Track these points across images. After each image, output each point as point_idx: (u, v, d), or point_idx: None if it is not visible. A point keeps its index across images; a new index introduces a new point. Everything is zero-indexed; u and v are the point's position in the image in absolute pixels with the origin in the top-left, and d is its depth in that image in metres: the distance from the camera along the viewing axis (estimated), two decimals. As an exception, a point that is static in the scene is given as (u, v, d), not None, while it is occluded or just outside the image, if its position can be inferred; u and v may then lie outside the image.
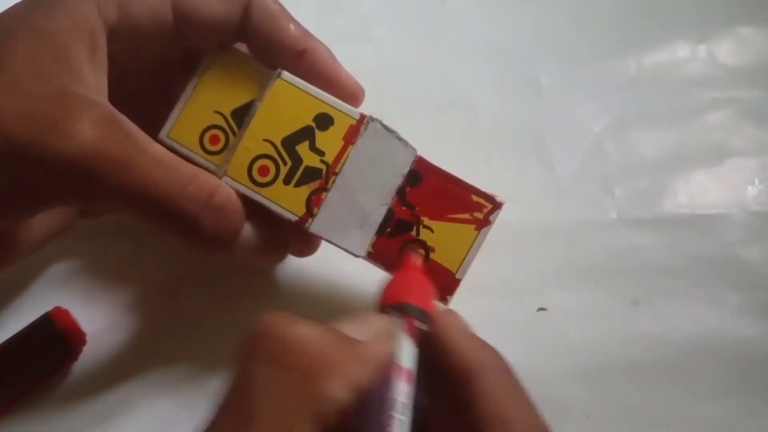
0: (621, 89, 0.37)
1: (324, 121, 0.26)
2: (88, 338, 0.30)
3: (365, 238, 0.27)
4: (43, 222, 0.28)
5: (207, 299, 0.31)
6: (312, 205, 0.26)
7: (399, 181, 0.27)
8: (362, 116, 0.26)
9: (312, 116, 0.26)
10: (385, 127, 0.27)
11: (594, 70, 0.37)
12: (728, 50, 0.38)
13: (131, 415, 0.29)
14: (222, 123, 0.27)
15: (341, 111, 0.26)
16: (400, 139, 0.27)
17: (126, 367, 0.30)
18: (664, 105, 0.37)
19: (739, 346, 0.32)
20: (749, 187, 0.35)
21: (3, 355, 0.29)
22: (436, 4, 0.38)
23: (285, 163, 0.26)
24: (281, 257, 0.28)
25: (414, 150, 0.27)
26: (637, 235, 0.34)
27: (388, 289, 0.25)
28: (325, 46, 0.27)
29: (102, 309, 0.31)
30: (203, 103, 0.27)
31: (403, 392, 0.21)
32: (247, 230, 0.26)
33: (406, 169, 0.27)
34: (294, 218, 0.26)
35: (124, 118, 0.23)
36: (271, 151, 0.26)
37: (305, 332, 0.20)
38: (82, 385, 0.30)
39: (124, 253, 0.32)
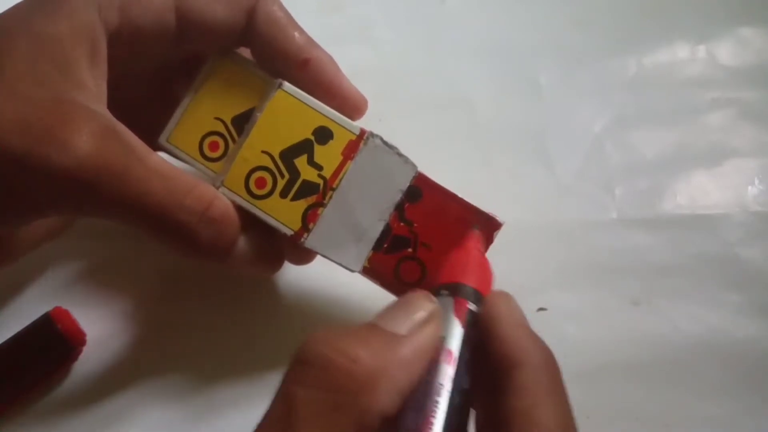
0: (621, 89, 0.37)
1: (323, 134, 0.26)
2: (88, 338, 0.30)
3: (361, 254, 0.27)
4: (40, 222, 0.28)
5: (207, 299, 0.31)
6: (308, 220, 0.26)
7: (398, 197, 0.27)
8: (362, 131, 0.26)
9: (311, 129, 0.26)
10: (385, 143, 0.26)
11: (594, 70, 0.37)
12: (728, 50, 0.38)
13: (131, 415, 0.29)
14: (222, 129, 0.27)
15: (341, 125, 0.26)
16: (400, 155, 0.26)
17: (126, 368, 0.30)
18: (664, 105, 0.37)
19: (739, 346, 0.32)
20: (749, 187, 0.35)
21: (3, 355, 0.29)
22: (436, 4, 0.38)
23: (282, 176, 0.26)
24: (276, 268, 0.28)
25: (414, 166, 0.27)
26: (637, 235, 0.34)
27: (446, 267, 0.24)
28: (329, 56, 0.27)
29: (102, 309, 0.31)
30: (204, 108, 0.27)
31: (448, 377, 0.20)
32: (243, 242, 0.26)
33: (405, 186, 0.27)
34: (289, 232, 0.26)
35: (122, 128, 0.23)
36: (269, 164, 0.26)
37: (346, 347, 0.19)
38: (82, 385, 0.30)
39: (125, 253, 0.32)
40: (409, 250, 0.27)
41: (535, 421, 0.19)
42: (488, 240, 0.27)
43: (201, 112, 0.27)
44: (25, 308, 0.30)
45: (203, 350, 0.31)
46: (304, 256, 0.28)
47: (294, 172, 0.26)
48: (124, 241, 0.32)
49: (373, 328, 0.20)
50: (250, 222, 0.26)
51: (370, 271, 0.27)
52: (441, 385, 0.20)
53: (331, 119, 0.26)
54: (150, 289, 0.32)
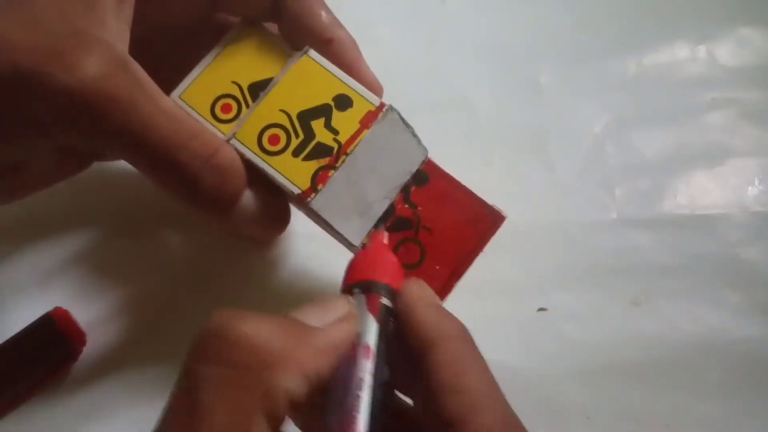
0: (621, 89, 0.37)
1: (343, 102, 0.26)
2: (87, 339, 0.30)
3: (363, 228, 0.26)
4: (56, 157, 0.27)
5: (207, 299, 0.31)
6: (317, 181, 0.26)
7: (406, 178, 0.27)
8: (381, 104, 0.26)
9: (332, 96, 0.26)
10: (403, 120, 0.27)
11: (594, 70, 0.37)
12: (728, 50, 0.38)
13: (131, 415, 0.29)
14: (237, 93, 0.27)
15: (362, 96, 0.26)
16: (415, 136, 0.27)
17: (126, 367, 0.30)
18: (664, 105, 0.37)
19: (739, 346, 0.32)
20: (749, 188, 0.35)
21: (3, 355, 0.29)
22: (436, 4, 0.38)
23: (297, 135, 0.26)
24: (280, 229, 0.28)
25: (426, 150, 0.27)
26: (637, 235, 0.34)
27: (353, 267, 0.24)
28: (352, 39, 0.28)
29: (102, 309, 0.31)
30: (222, 71, 0.27)
31: (368, 371, 0.20)
32: (248, 197, 0.25)
33: (415, 167, 0.27)
34: (297, 191, 0.26)
35: (135, 64, 0.23)
36: (285, 122, 0.26)
37: (253, 327, 0.19)
38: (82, 385, 0.30)
39: (124, 253, 0.32)
40: (411, 232, 0.27)
41: (463, 388, 0.20)
42: (491, 233, 0.27)
43: (218, 74, 0.27)
44: (25, 308, 0.30)
45: (203, 350, 0.31)
46: (278, 219, 0.28)
47: (309, 134, 0.26)
48: (124, 241, 0.32)
49: (286, 317, 0.20)
50: (256, 180, 0.26)
51: None
52: (361, 379, 0.20)
53: (353, 88, 0.26)
54: (150, 290, 0.32)
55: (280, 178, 0.26)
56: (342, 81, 0.27)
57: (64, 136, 0.23)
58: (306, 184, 0.26)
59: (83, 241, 0.32)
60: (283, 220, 0.28)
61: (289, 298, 0.32)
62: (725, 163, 0.35)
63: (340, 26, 0.28)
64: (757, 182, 0.35)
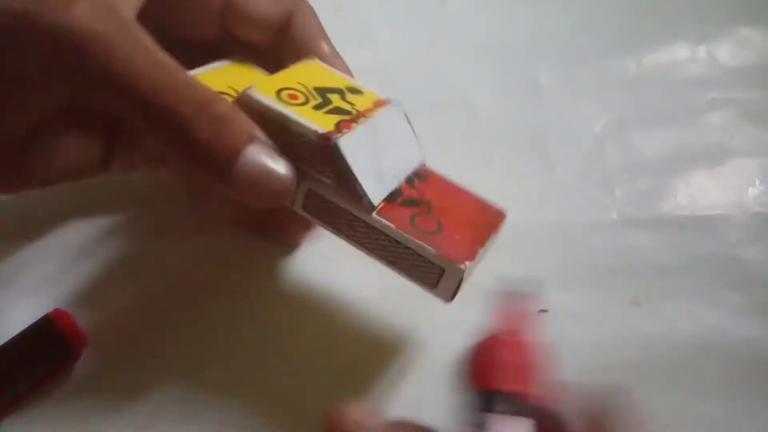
0: (621, 89, 0.37)
1: (354, 90, 0.27)
2: (88, 339, 0.29)
3: (380, 191, 0.25)
4: (64, 153, 0.26)
5: (207, 300, 0.31)
6: (341, 126, 0.24)
7: (404, 175, 0.27)
8: (387, 99, 0.27)
9: (344, 86, 0.27)
10: (407, 118, 0.27)
11: (594, 70, 0.37)
12: (728, 50, 0.38)
13: (131, 415, 0.29)
14: (234, 95, 0.26)
15: (370, 91, 0.27)
16: (416, 137, 0.27)
17: (126, 368, 0.30)
18: (664, 105, 0.37)
19: (739, 346, 0.32)
20: (749, 188, 0.35)
21: (3, 356, 0.29)
22: (436, 4, 0.38)
23: (315, 99, 0.26)
24: (283, 196, 0.24)
25: (423, 154, 0.27)
26: (637, 235, 0.34)
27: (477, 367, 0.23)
28: (349, 70, 0.29)
29: (102, 310, 0.31)
30: (219, 77, 0.27)
31: None
32: (252, 154, 0.23)
33: (412, 168, 0.27)
34: (321, 130, 0.23)
35: (132, 19, 0.23)
36: (302, 89, 0.26)
37: None
38: (82, 386, 0.30)
39: (125, 253, 0.32)
40: (423, 208, 0.26)
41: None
42: (494, 230, 0.27)
43: (215, 80, 0.27)
44: (25, 309, 0.30)
45: (204, 350, 0.31)
46: (298, 227, 0.28)
47: (327, 100, 0.26)
48: (124, 241, 0.32)
49: None
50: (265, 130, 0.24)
51: (386, 215, 0.25)
52: None
53: (361, 86, 0.27)
54: (150, 290, 0.31)
55: (302, 121, 0.24)
56: (349, 79, 0.28)
57: (54, 86, 0.23)
58: (330, 127, 0.24)
59: (83, 242, 0.32)
60: (290, 184, 0.24)
61: (291, 298, 0.32)
62: (725, 163, 0.35)
63: (339, 58, 0.29)
64: (757, 182, 0.35)
